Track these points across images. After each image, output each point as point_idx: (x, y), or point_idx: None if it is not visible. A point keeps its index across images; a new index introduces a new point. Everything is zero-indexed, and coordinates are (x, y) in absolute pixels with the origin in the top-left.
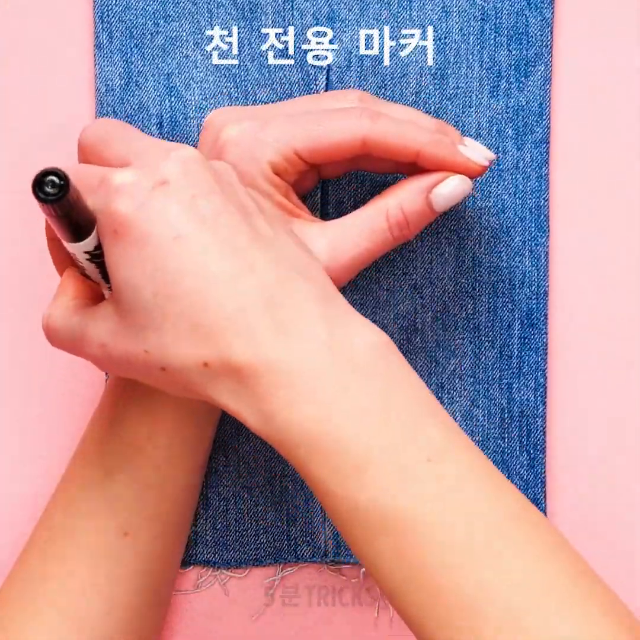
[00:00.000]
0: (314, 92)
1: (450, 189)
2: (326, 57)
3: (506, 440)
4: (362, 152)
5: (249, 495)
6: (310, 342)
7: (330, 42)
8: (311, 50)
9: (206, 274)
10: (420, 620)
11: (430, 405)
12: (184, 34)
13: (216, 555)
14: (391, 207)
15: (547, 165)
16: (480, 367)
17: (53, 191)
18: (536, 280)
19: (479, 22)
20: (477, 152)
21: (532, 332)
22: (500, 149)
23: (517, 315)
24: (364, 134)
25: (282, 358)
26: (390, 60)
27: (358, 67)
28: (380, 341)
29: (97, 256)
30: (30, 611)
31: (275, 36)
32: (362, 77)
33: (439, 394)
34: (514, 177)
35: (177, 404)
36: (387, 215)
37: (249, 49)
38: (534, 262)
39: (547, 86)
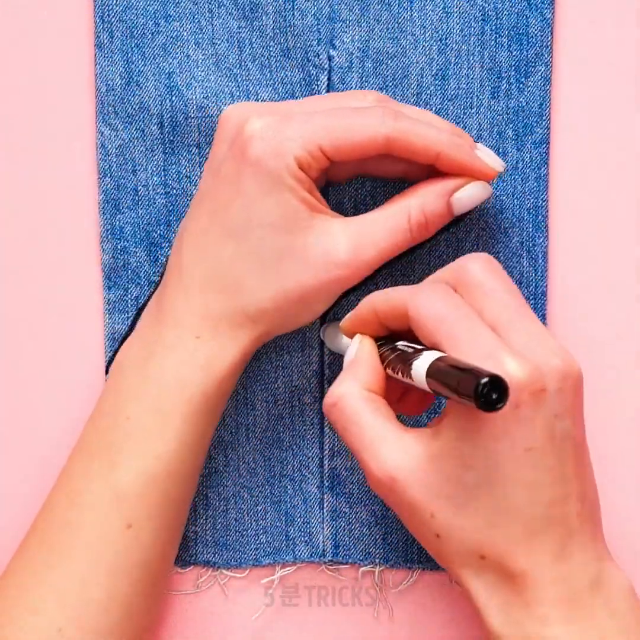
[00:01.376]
0: (315, 93)
1: (470, 194)
2: (327, 58)
3: None
4: (384, 150)
5: (248, 495)
6: (582, 577)
7: (332, 42)
8: (312, 50)
9: (537, 492)
10: None
11: None
12: (185, 33)
13: (216, 555)
14: (413, 207)
15: (546, 166)
16: None
17: (498, 401)
18: (534, 280)
19: (480, 23)
20: (491, 158)
21: None
22: (500, 150)
23: None
24: (388, 132)
25: (555, 581)
26: (391, 61)
27: (359, 67)
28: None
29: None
30: (28, 601)
31: (277, 36)
32: (363, 78)
33: (438, 396)
34: (512, 178)
35: (187, 399)
36: (408, 215)
37: (250, 49)
38: (532, 263)
39: (547, 87)
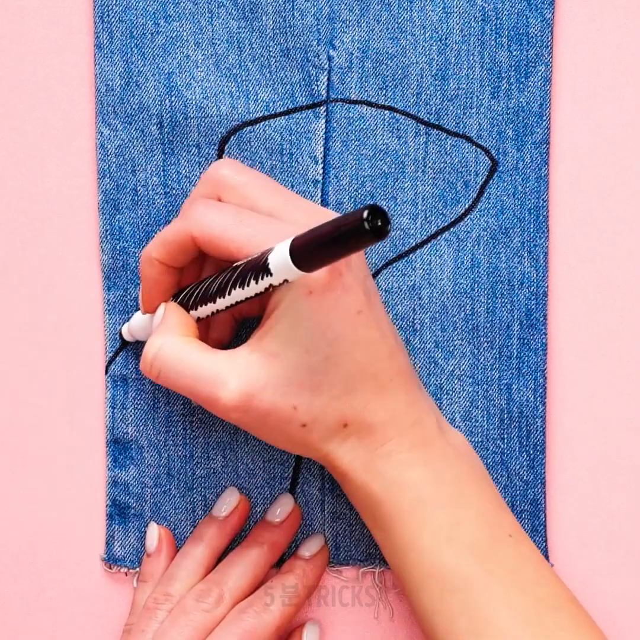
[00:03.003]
0: (315, 93)
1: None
2: (327, 58)
3: (506, 440)
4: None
5: (247, 496)
6: (430, 421)
7: (331, 42)
8: (312, 50)
9: (374, 348)
10: None
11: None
12: (185, 33)
13: None
14: None
15: (546, 166)
16: (479, 367)
17: (383, 227)
18: (535, 281)
19: (480, 23)
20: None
21: (532, 333)
22: (500, 150)
23: (516, 315)
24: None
25: (413, 425)
26: (391, 61)
27: (359, 67)
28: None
29: (246, 300)
30: None
31: (277, 36)
32: (363, 78)
33: (438, 395)
34: (513, 178)
35: None
36: None
37: (250, 49)
38: (533, 263)
39: (547, 87)
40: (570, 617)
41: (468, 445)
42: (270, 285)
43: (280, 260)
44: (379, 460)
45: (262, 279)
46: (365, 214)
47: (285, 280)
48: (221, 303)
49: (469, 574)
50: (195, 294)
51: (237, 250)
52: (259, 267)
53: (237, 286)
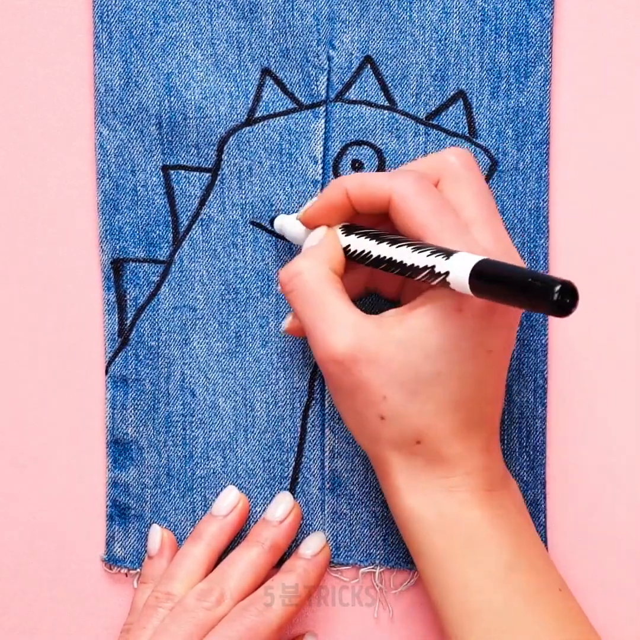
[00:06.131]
0: (315, 94)
1: None
2: (327, 58)
3: (506, 441)
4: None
5: (247, 496)
6: (498, 470)
7: (331, 42)
8: (312, 50)
9: (484, 388)
10: None
11: None
12: (184, 33)
13: None
14: None
15: (546, 167)
16: None
17: (569, 306)
18: None
19: (479, 23)
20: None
21: (531, 334)
22: (500, 150)
23: None
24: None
25: (483, 469)
26: (390, 61)
27: (358, 68)
28: None
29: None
30: None
31: (276, 37)
32: (362, 79)
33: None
34: (513, 178)
35: None
36: None
37: (249, 50)
38: (533, 264)
39: (547, 87)
40: None
41: (523, 503)
42: (434, 268)
43: (461, 267)
44: (439, 491)
45: (436, 257)
46: (557, 289)
47: (446, 281)
48: (381, 249)
49: (517, 619)
50: (364, 229)
51: (418, 233)
52: (442, 251)
53: (409, 247)
